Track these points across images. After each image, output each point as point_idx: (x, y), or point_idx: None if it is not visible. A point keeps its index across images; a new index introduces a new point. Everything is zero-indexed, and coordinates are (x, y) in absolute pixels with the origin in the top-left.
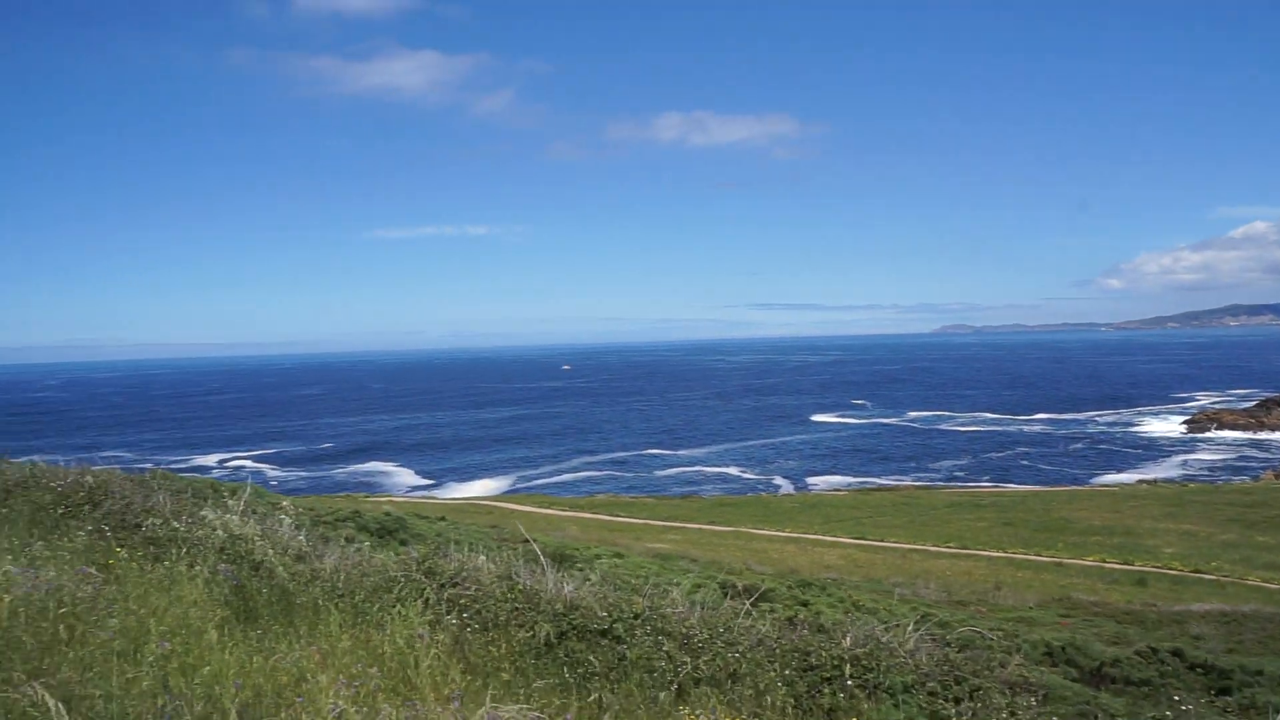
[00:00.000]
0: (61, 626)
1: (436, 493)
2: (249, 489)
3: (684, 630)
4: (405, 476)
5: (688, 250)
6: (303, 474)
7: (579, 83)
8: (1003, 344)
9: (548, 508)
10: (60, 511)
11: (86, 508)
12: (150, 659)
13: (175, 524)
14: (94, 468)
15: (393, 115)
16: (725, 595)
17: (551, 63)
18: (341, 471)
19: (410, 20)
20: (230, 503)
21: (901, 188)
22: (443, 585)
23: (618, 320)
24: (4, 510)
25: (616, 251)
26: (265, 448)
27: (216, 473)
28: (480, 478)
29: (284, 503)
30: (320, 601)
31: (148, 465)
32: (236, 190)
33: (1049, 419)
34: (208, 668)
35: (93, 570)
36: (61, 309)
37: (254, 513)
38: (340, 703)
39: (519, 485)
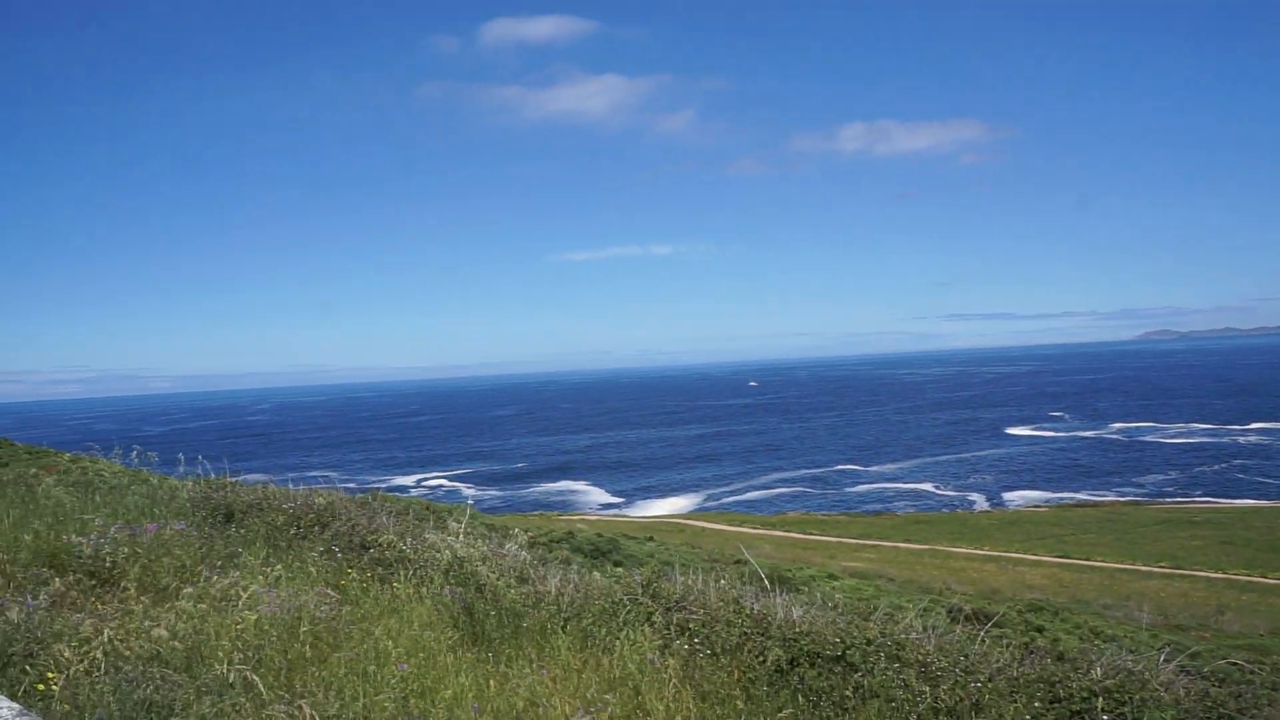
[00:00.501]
0: (308, 646)
1: (627, 511)
2: (469, 511)
3: (920, 658)
4: (596, 495)
5: (875, 262)
6: (497, 492)
7: (760, 98)
8: (1213, 350)
9: (739, 525)
10: (292, 532)
11: (316, 529)
12: (390, 680)
13: (402, 546)
14: (320, 489)
15: (576, 140)
16: (954, 620)
17: (732, 80)
18: (535, 490)
19: (591, 46)
20: (453, 524)
21: (1097, 188)
22: (669, 608)
23: (805, 335)
24: (241, 531)
25: (802, 266)
26: (461, 467)
27: (415, 491)
28: (670, 496)
29: (514, 528)
30: (548, 624)
31: (352, 485)
32: (434, 221)
33: (1269, 429)
34: (448, 691)
35: (330, 591)
36: (275, 339)
37: (480, 535)
38: None
39: (708, 503)
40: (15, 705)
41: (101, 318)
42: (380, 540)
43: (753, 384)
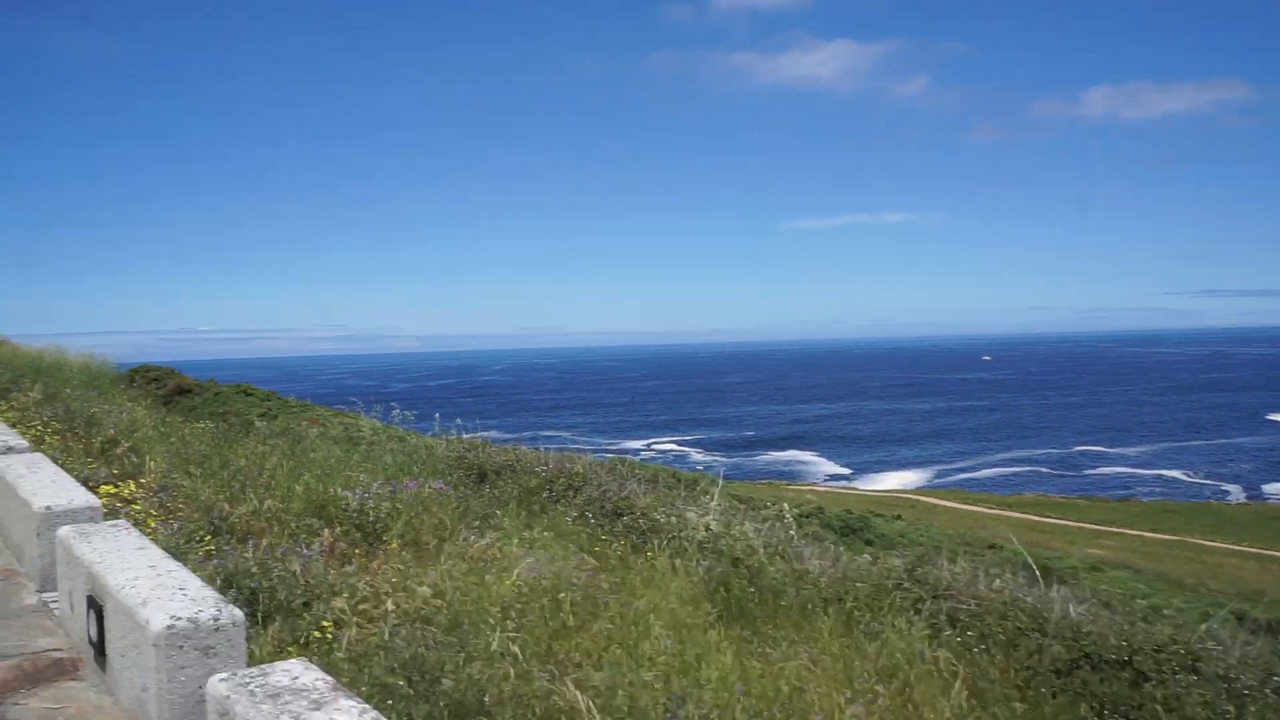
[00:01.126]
0: (570, 615)
1: (855, 483)
2: (719, 483)
3: (1222, 672)
4: (823, 466)
5: (1122, 233)
6: (725, 459)
7: (999, 62)
8: None
9: (971, 504)
10: (545, 495)
11: (569, 493)
12: (654, 655)
13: (656, 514)
14: (565, 453)
15: (807, 106)
16: (1249, 629)
17: (970, 43)
18: (762, 459)
19: (823, 10)
20: (706, 497)
21: None
22: (936, 596)
23: (1044, 309)
24: (495, 492)
25: (1040, 236)
26: (690, 433)
27: (643, 455)
28: (899, 470)
29: (768, 501)
30: (809, 604)
31: (581, 447)
32: (664, 188)
33: None
34: (711, 670)
35: (587, 557)
36: (511, 301)
37: (733, 508)
38: None
39: (938, 480)
40: (328, 679)
41: (353, 280)
42: (634, 507)
43: (986, 358)
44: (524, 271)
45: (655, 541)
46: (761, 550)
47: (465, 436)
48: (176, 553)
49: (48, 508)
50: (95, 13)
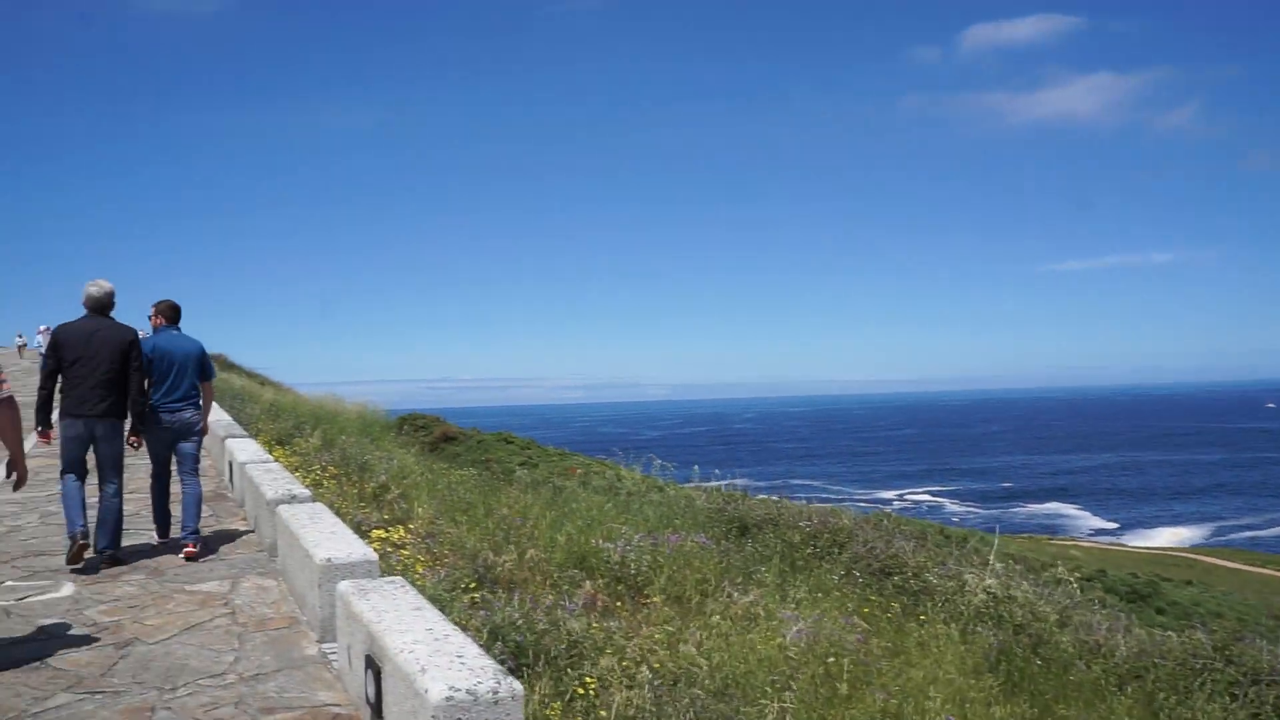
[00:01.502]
0: (843, 682)
1: (1123, 539)
2: (995, 541)
3: None
4: (1088, 520)
5: None
6: (982, 511)
7: (1277, 83)
8: None
9: (1259, 566)
10: (809, 551)
11: (834, 549)
12: None
13: (929, 576)
14: (828, 505)
15: (1065, 143)
16: None
17: (1244, 64)
18: (1021, 511)
19: (1079, 43)
20: (991, 559)
21: None
22: (1257, 681)
23: None
24: (757, 547)
25: None
26: (944, 484)
27: (895, 505)
28: (1170, 525)
29: (1058, 564)
30: (1102, 681)
31: (833, 497)
32: (913, 234)
33: None
34: None
35: (858, 620)
36: (760, 350)
37: (1012, 570)
38: None
39: (1216, 537)
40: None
41: (605, 329)
42: (904, 566)
43: (1270, 405)
44: (772, 320)
45: (929, 604)
46: (1039, 616)
47: (723, 488)
48: (444, 601)
49: (328, 560)
50: (356, 92)
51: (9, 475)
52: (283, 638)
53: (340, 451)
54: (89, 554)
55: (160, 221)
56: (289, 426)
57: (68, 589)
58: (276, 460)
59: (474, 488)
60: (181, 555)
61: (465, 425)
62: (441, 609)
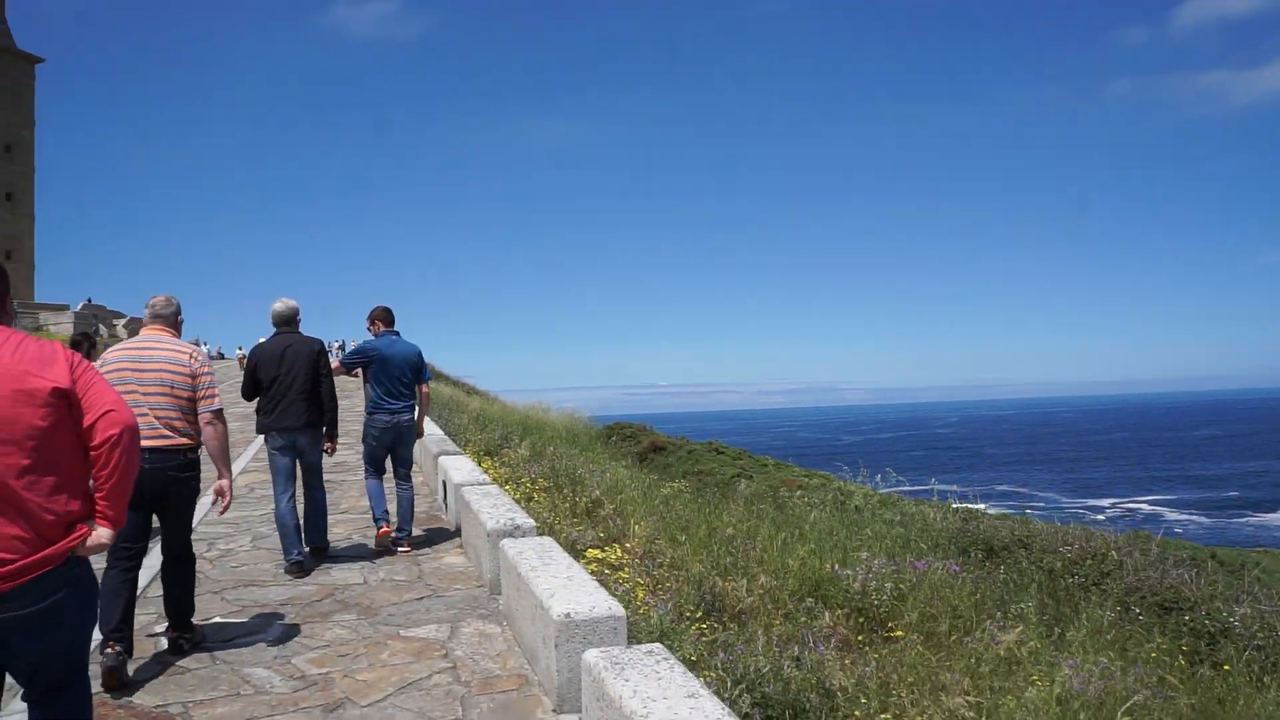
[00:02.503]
0: None
1: None
2: None
3: None
4: None
5: None
6: (1205, 521)
7: None
8: None
9: None
10: (1070, 580)
11: (1102, 580)
12: None
13: (1229, 618)
14: (1095, 529)
15: None
16: None
17: None
18: (1249, 522)
19: None
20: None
21: None
22: None
23: None
24: (1010, 573)
25: None
26: (1160, 492)
27: (1108, 514)
28: None
29: None
30: None
31: (1042, 506)
32: (1116, 225)
33: None
34: None
35: (1151, 669)
36: (962, 352)
37: None
38: None
39: None
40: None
41: (805, 332)
42: (1186, 600)
43: None
44: (974, 321)
45: (1231, 648)
46: None
47: (953, 503)
48: (669, 634)
49: (567, 616)
50: (566, 104)
51: (215, 500)
52: (512, 704)
53: (550, 463)
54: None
55: (365, 232)
56: (497, 437)
57: (276, 630)
58: (487, 473)
59: (691, 503)
60: (376, 538)
61: (665, 431)
62: (681, 658)
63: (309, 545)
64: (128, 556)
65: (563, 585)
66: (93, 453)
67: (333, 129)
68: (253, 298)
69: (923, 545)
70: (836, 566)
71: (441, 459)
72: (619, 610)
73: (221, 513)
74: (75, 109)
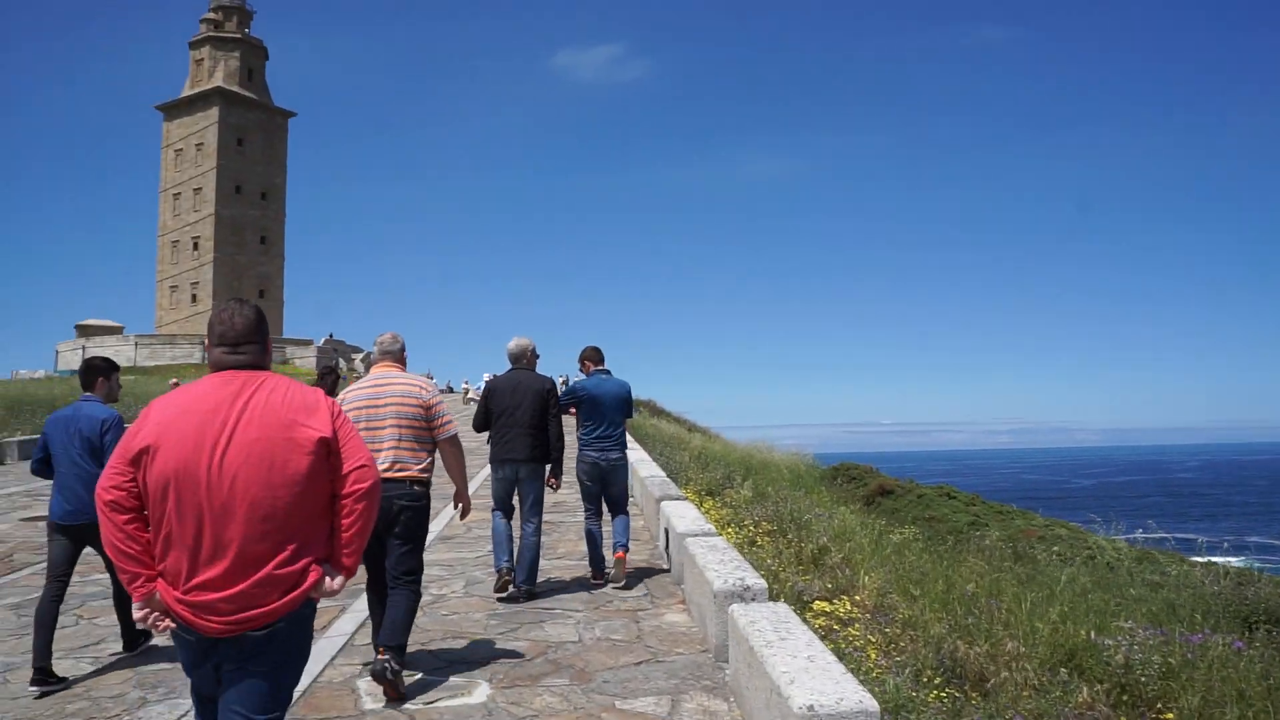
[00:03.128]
0: None
1: None
2: None
3: None
4: None
5: None
6: None
7: None
8: None
9: None
10: None
11: None
12: None
13: None
14: None
15: None
16: None
17: None
18: None
19: None
20: None
21: None
22: None
23: None
24: None
25: None
26: None
27: None
28: None
29: None
30: None
31: None
32: None
33: None
34: None
35: None
36: (1205, 391)
37: None
38: None
39: None
40: None
41: (1033, 371)
42: None
43: None
44: (1221, 356)
45: None
46: None
47: (1216, 561)
48: (908, 705)
49: (810, 709)
50: (768, 141)
51: (455, 505)
52: None
53: (774, 506)
54: (510, 588)
55: (596, 268)
56: (719, 476)
57: (482, 692)
58: (708, 514)
59: (924, 553)
60: (609, 571)
61: (888, 471)
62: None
63: (515, 585)
64: (373, 582)
65: (803, 668)
66: (341, 501)
67: (560, 170)
68: (484, 334)
69: (1196, 615)
70: (1093, 634)
71: (664, 505)
72: (871, 704)
73: (462, 518)
74: (322, 157)
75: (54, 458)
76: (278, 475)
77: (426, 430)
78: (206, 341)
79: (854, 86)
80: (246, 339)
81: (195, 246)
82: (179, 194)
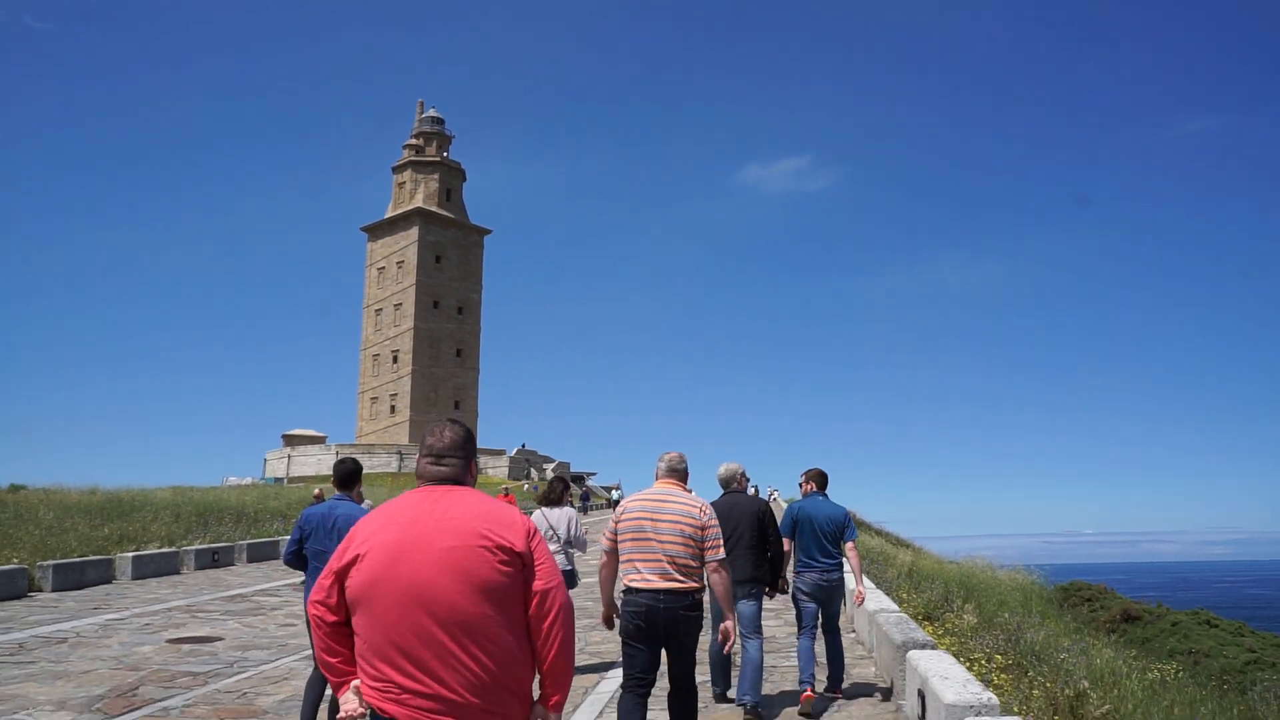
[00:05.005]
0: None
1: None
2: None
3: None
4: None
5: None
6: None
7: None
8: None
9: None
10: None
11: None
12: None
13: None
14: None
15: None
16: None
17: None
18: None
19: None
20: None
21: None
22: None
23: None
24: None
25: None
26: None
27: None
28: None
29: None
30: None
31: None
32: None
33: None
34: None
35: None
36: None
37: None
38: None
39: None
40: None
41: (1252, 476)
42: None
43: None
44: None
45: None
46: None
47: None
48: None
49: None
50: (976, 243)
51: (722, 641)
52: None
53: (1007, 634)
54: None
55: (783, 381)
56: (937, 597)
57: None
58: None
59: (1209, 702)
60: (800, 702)
61: (1092, 581)
62: None
63: (740, 702)
64: (640, 685)
65: None
66: (531, 620)
67: (743, 289)
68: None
69: None
70: None
71: (912, 655)
72: None
73: (726, 652)
74: (516, 274)
75: (309, 552)
76: (471, 581)
77: (700, 550)
78: (419, 455)
79: (1041, 190)
80: (451, 452)
81: (394, 359)
82: (380, 309)
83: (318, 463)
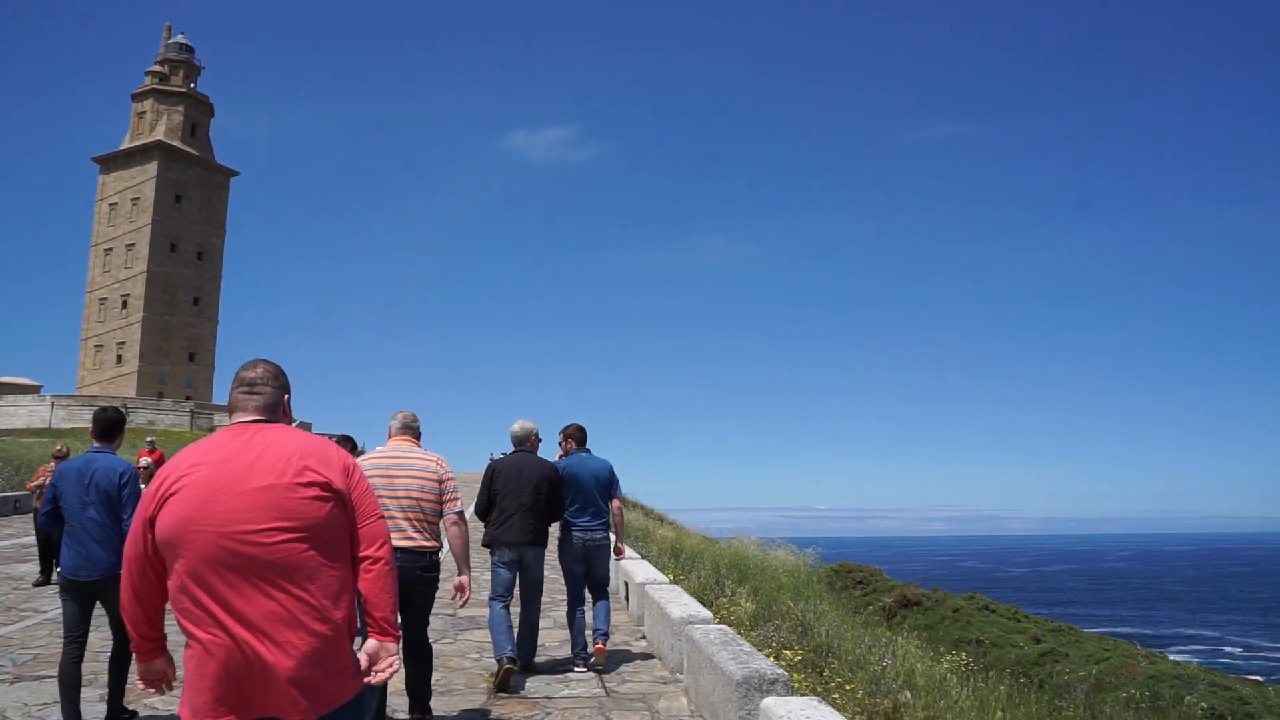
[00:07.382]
0: None
1: None
2: None
3: None
4: None
5: None
6: None
7: None
8: None
9: None
10: None
11: None
12: None
13: None
14: None
15: None
16: None
17: None
18: None
19: None
20: None
21: None
22: None
23: None
24: None
25: None
26: None
27: None
28: None
29: None
30: None
31: (1237, 656)
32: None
33: None
34: None
35: None
36: (1133, 483)
37: None
38: None
39: None
40: None
41: (966, 460)
42: None
43: None
44: (1150, 449)
45: None
46: None
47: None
48: None
49: None
50: (736, 225)
51: (455, 593)
52: None
53: (791, 624)
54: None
55: (540, 347)
56: (708, 580)
57: None
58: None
59: (1019, 702)
60: (590, 657)
61: (835, 559)
62: None
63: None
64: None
65: None
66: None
67: (511, 250)
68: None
69: None
70: None
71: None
72: None
73: (461, 606)
74: (266, 224)
75: (65, 511)
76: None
77: (438, 505)
78: (232, 388)
79: (812, 173)
80: (265, 381)
81: (124, 305)
82: (110, 249)
83: (29, 414)
